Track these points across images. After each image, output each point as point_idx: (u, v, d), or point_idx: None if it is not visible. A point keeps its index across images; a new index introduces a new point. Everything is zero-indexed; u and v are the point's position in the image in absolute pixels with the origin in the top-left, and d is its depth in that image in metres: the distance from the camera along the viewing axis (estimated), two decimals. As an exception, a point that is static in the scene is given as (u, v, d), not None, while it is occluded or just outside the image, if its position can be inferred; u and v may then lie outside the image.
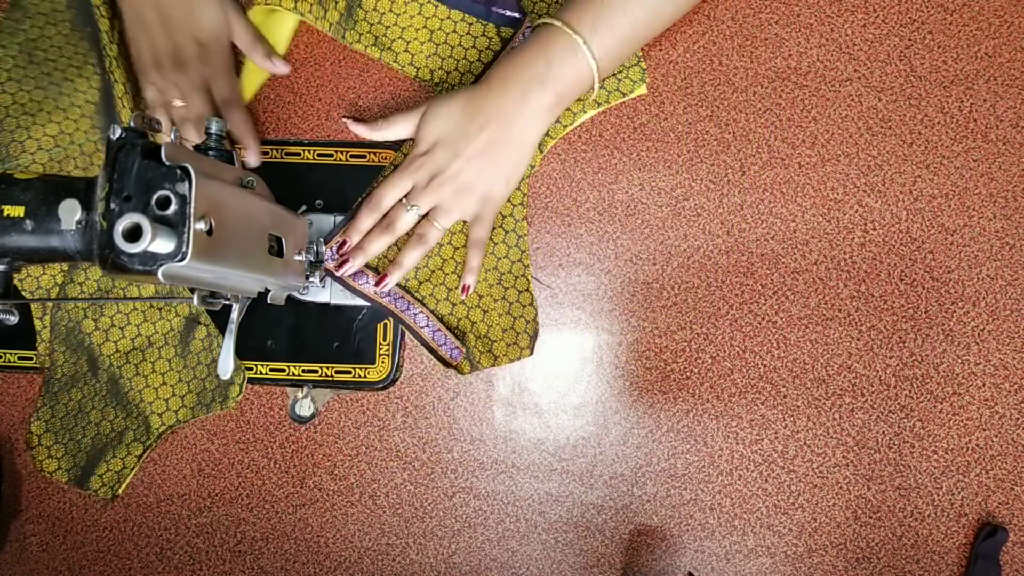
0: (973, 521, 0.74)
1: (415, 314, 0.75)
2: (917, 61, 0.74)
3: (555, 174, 0.77)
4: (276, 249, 0.59)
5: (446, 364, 0.76)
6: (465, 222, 0.75)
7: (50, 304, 0.77)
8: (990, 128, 0.74)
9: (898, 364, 0.74)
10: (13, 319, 0.52)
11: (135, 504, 0.80)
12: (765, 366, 0.75)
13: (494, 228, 0.76)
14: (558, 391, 0.77)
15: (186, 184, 0.46)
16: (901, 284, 0.74)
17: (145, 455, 0.77)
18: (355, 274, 0.74)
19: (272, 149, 0.78)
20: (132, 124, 0.48)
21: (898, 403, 0.74)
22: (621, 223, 0.76)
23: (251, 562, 0.79)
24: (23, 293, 0.78)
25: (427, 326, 0.75)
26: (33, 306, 0.78)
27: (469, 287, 0.74)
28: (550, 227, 0.77)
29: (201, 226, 0.46)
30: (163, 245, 0.44)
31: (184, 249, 0.45)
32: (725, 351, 0.75)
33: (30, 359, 0.78)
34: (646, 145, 0.76)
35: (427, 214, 0.73)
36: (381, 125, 0.74)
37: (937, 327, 0.74)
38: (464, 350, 0.75)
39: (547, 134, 0.76)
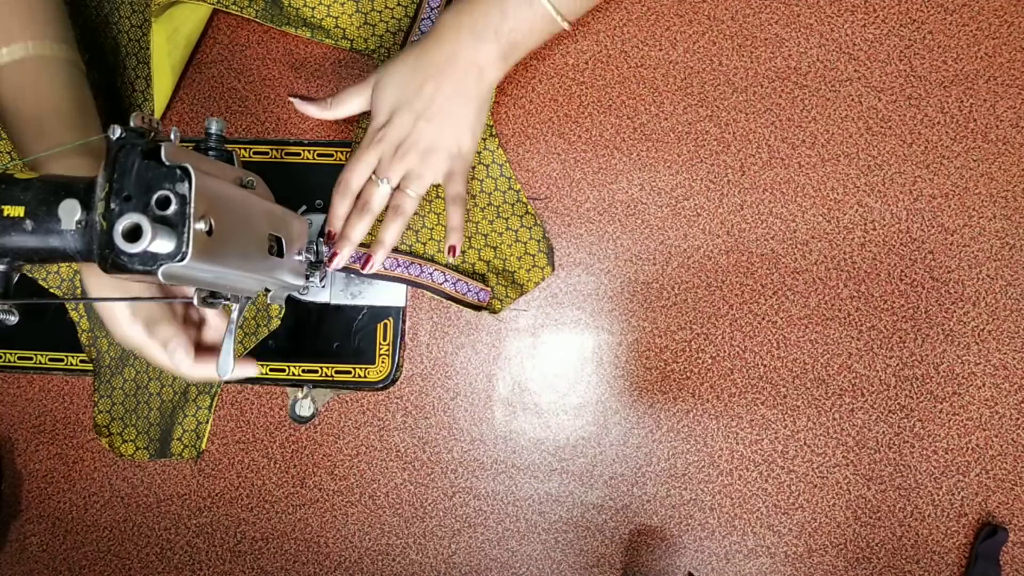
0: (973, 521, 0.74)
1: (431, 273, 0.75)
2: (917, 61, 0.74)
3: (555, 174, 0.77)
4: (276, 249, 0.59)
5: (478, 308, 0.76)
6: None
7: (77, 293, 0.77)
8: (990, 128, 0.74)
9: (898, 364, 0.74)
10: (13, 319, 0.52)
11: (135, 504, 0.80)
12: (765, 366, 0.75)
13: (474, 166, 0.76)
14: (558, 391, 0.77)
15: (186, 184, 0.46)
16: (901, 284, 0.74)
17: (214, 403, 0.78)
18: (360, 259, 0.73)
19: (272, 149, 0.78)
20: (132, 124, 0.48)
21: (898, 403, 0.74)
22: (621, 223, 0.76)
23: (251, 562, 0.79)
24: (50, 290, 0.78)
25: (446, 280, 0.75)
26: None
27: (455, 248, 0.71)
28: (550, 227, 0.77)
29: (201, 226, 0.46)
30: (163, 245, 0.44)
31: (184, 249, 0.45)
32: (725, 351, 0.75)
33: (30, 359, 0.78)
34: (646, 145, 0.76)
35: (399, 185, 0.70)
36: (331, 103, 0.72)
37: (937, 327, 0.74)
38: (490, 290, 0.76)
39: None
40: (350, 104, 0.72)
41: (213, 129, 0.55)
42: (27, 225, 0.47)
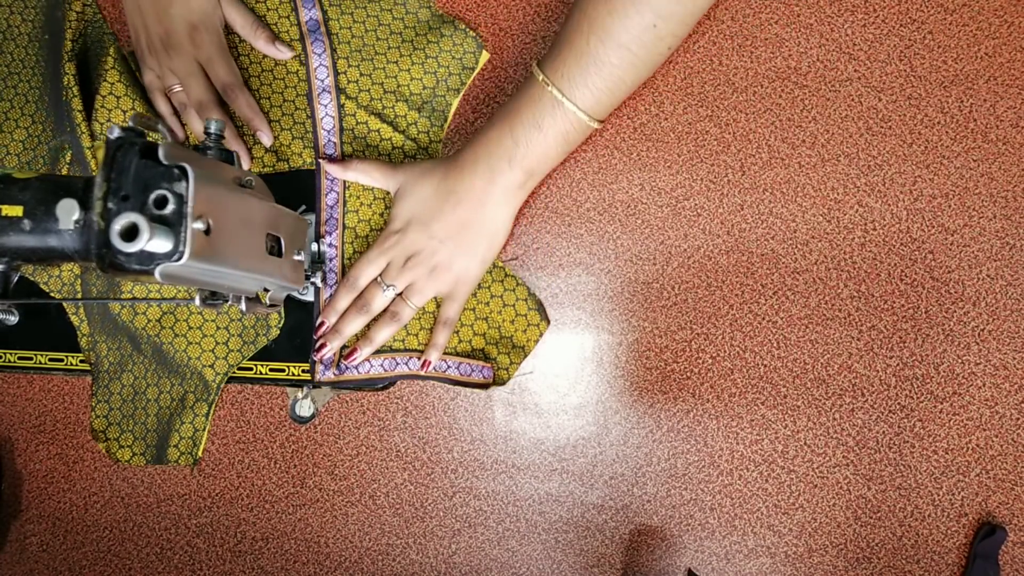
0: (973, 521, 0.74)
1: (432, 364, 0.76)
2: (917, 61, 0.74)
3: (555, 174, 0.77)
4: (275, 249, 0.59)
5: (485, 387, 0.76)
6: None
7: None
8: (990, 128, 0.74)
9: (898, 364, 0.74)
10: (13, 319, 0.52)
11: (135, 504, 0.80)
12: (765, 366, 0.75)
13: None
14: (558, 391, 0.77)
15: (184, 183, 0.46)
16: (901, 284, 0.74)
17: (212, 412, 0.78)
18: (360, 365, 0.75)
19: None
20: (131, 123, 0.48)
21: (898, 403, 0.74)
22: (621, 223, 0.76)
23: (251, 562, 0.79)
24: (51, 294, 0.78)
25: (449, 367, 0.76)
26: (66, 303, 0.78)
27: (430, 363, 0.74)
28: (550, 227, 0.77)
29: (199, 225, 0.46)
30: (160, 244, 0.44)
31: (181, 248, 0.45)
32: (725, 351, 0.75)
33: (30, 359, 0.78)
34: (646, 145, 0.76)
35: (401, 292, 0.73)
36: (356, 165, 0.74)
37: (937, 327, 0.74)
38: (491, 365, 0.76)
39: (432, 140, 0.77)
40: (372, 177, 0.74)
41: (212, 129, 0.55)
42: (25, 225, 0.48)
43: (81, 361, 0.78)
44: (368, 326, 0.75)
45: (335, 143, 0.77)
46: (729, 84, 0.76)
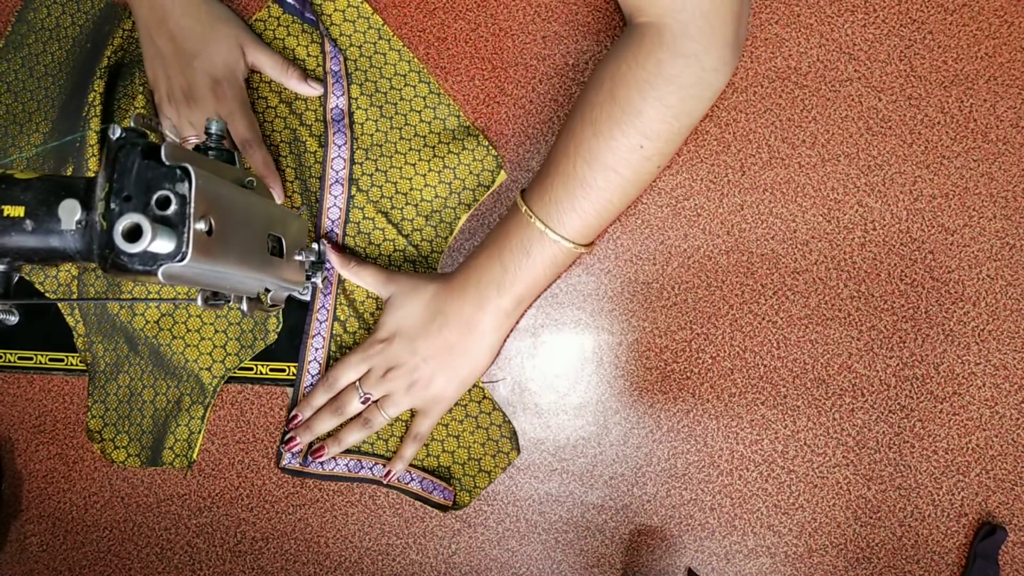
0: (973, 521, 0.74)
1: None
2: (917, 61, 0.74)
3: (555, 174, 0.77)
4: (276, 249, 0.59)
5: (444, 508, 0.76)
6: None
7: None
8: (990, 128, 0.74)
9: (898, 364, 0.74)
10: (13, 319, 0.52)
11: (135, 504, 0.80)
12: (765, 366, 0.75)
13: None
14: (558, 391, 0.77)
15: (186, 184, 0.46)
16: (901, 284, 0.74)
17: (207, 415, 0.78)
18: (326, 462, 0.76)
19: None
20: (133, 124, 0.48)
21: (898, 403, 0.74)
22: (621, 223, 0.76)
23: (251, 562, 0.79)
24: (46, 294, 0.78)
25: (412, 479, 0.76)
26: (61, 304, 0.78)
27: (392, 473, 0.75)
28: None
29: (201, 226, 0.46)
30: (163, 245, 0.44)
31: (184, 249, 0.45)
32: (725, 351, 0.75)
33: (30, 359, 0.78)
34: (646, 145, 0.76)
35: (377, 401, 0.74)
36: (353, 267, 0.74)
37: (937, 327, 0.74)
38: (454, 487, 0.76)
39: (434, 249, 0.77)
40: (365, 280, 0.75)
41: (213, 129, 0.55)
42: (27, 225, 0.48)
43: (82, 361, 0.78)
44: (340, 427, 0.75)
45: (338, 233, 0.77)
46: (729, 84, 0.76)
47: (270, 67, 0.76)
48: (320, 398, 0.75)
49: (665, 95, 0.62)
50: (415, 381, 0.72)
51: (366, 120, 0.77)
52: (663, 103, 0.62)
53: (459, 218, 0.77)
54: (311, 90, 0.77)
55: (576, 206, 0.65)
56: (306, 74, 0.77)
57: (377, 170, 0.77)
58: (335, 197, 0.76)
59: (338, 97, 0.77)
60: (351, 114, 0.77)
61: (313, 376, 0.76)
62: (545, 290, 0.72)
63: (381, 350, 0.72)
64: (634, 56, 0.63)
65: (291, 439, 0.75)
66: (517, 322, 0.75)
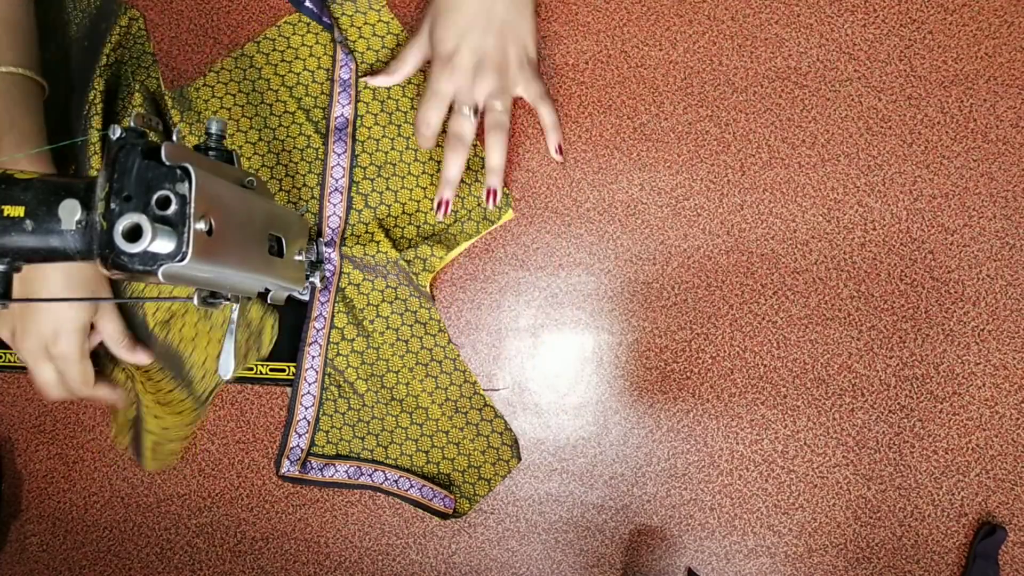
0: (973, 521, 0.74)
1: (396, 480, 0.76)
2: (917, 61, 0.74)
3: (555, 174, 0.77)
4: (276, 249, 0.59)
5: (444, 516, 0.76)
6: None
7: None
8: (990, 128, 0.74)
9: (898, 364, 0.74)
10: (13, 319, 0.52)
11: (135, 504, 0.80)
12: (765, 366, 0.75)
13: (427, 363, 0.77)
14: (558, 391, 0.77)
15: (186, 184, 0.46)
16: (901, 284, 0.74)
17: (196, 422, 0.78)
18: (325, 468, 0.76)
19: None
20: (132, 124, 0.48)
21: (898, 403, 0.74)
22: (621, 223, 0.76)
23: (251, 562, 0.79)
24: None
25: (412, 486, 0.76)
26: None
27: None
28: (550, 227, 0.77)
29: (201, 226, 0.46)
30: (163, 245, 0.44)
31: (184, 249, 0.45)
32: (725, 351, 0.75)
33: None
34: (646, 145, 0.76)
35: (485, 106, 0.71)
36: (393, 67, 0.73)
37: (937, 327, 0.74)
38: (454, 497, 0.76)
39: (426, 268, 0.76)
40: (412, 60, 0.73)
41: (213, 129, 0.55)
42: (27, 225, 0.47)
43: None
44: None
45: (336, 242, 0.76)
46: (729, 84, 0.76)
47: (109, 334, 0.71)
48: (428, 141, 0.73)
49: None
50: (500, 62, 0.70)
51: (382, 136, 0.77)
52: None
53: (458, 244, 0.76)
54: (138, 358, 0.73)
55: None
56: (136, 343, 0.73)
57: (387, 188, 0.77)
58: (334, 205, 0.76)
59: (343, 106, 0.77)
60: (356, 126, 0.77)
61: (310, 384, 0.76)
62: None
63: (457, 62, 0.69)
64: None
65: (441, 202, 0.72)
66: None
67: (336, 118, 0.77)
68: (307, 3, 0.77)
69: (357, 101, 0.77)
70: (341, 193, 0.76)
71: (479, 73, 0.70)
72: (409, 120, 0.77)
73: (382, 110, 0.77)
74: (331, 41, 0.78)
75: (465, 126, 0.71)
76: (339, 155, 0.76)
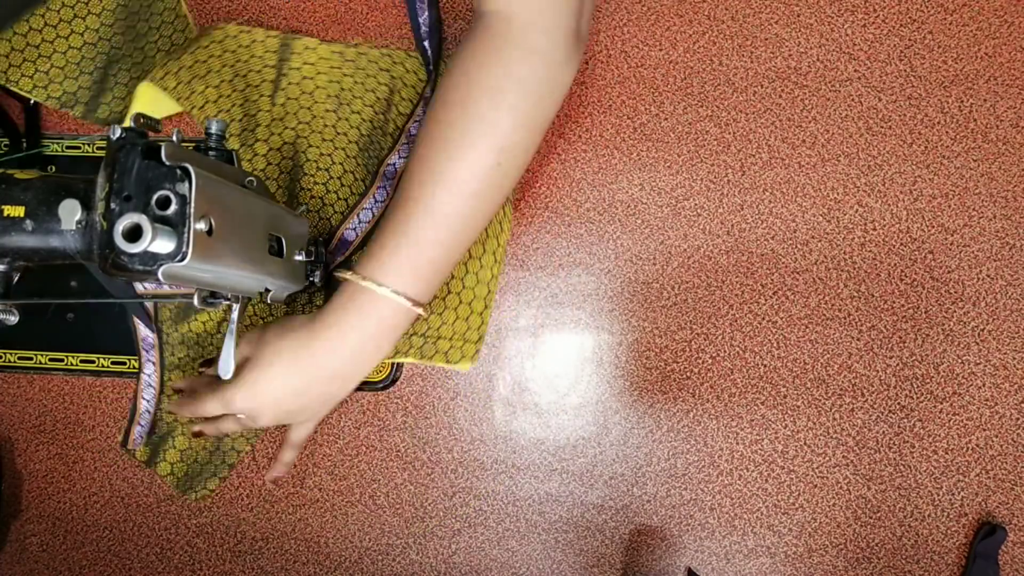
0: (973, 521, 0.74)
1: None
2: (917, 61, 0.74)
3: (555, 174, 0.77)
4: (276, 249, 0.59)
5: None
6: None
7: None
8: (990, 128, 0.74)
9: (898, 364, 0.74)
10: (13, 319, 0.52)
11: (135, 504, 0.80)
12: (765, 366, 0.75)
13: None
14: (558, 391, 0.77)
15: (186, 184, 0.46)
16: (901, 284, 0.74)
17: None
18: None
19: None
20: (132, 124, 0.48)
21: (898, 403, 0.74)
22: (621, 223, 0.76)
23: (251, 562, 0.79)
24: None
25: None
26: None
27: (277, 477, 0.72)
28: (550, 227, 0.77)
29: (201, 226, 0.46)
30: (163, 245, 0.44)
31: (184, 249, 0.45)
32: (725, 351, 0.75)
33: (30, 359, 0.78)
34: (646, 145, 0.76)
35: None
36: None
37: (937, 327, 0.74)
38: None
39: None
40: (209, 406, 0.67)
41: (213, 129, 0.55)
42: (27, 225, 0.48)
43: (82, 361, 0.78)
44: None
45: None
46: (729, 84, 0.76)
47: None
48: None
49: (518, 101, 0.58)
50: (277, 422, 0.66)
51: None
52: (517, 111, 0.58)
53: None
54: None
55: (418, 251, 0.60)
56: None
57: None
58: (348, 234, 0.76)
59: (400, 158, 0.76)
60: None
61: (148, 401, 0.77)
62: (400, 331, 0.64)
63: (241, 407, 0.64)
64: (483, 57, 0.58)
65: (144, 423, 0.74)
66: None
67: (388, 165, 0.75)
68: (425, 45, 0.76)
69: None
70: (356, 234, 0.75)
71: (257, 421, 0.65)
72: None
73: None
74: (419, 96, 0.77)
75: (227, 423, 0.69)
76: (378, 202, 0.75)
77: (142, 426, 0.77)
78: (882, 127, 0.75)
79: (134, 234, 0.43)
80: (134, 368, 0.78)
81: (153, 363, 0.77)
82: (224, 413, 0.66)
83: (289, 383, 0.63)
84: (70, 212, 0.47)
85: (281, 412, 0.64)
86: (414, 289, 0.60)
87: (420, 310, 0.61)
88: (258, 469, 0.79)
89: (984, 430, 0.74)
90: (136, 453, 0.78)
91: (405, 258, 0.60)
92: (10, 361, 0.79)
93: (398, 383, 0.78)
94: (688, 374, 0.76)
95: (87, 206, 0.48)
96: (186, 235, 0.45)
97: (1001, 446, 0.74)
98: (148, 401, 0.77)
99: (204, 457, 0.78)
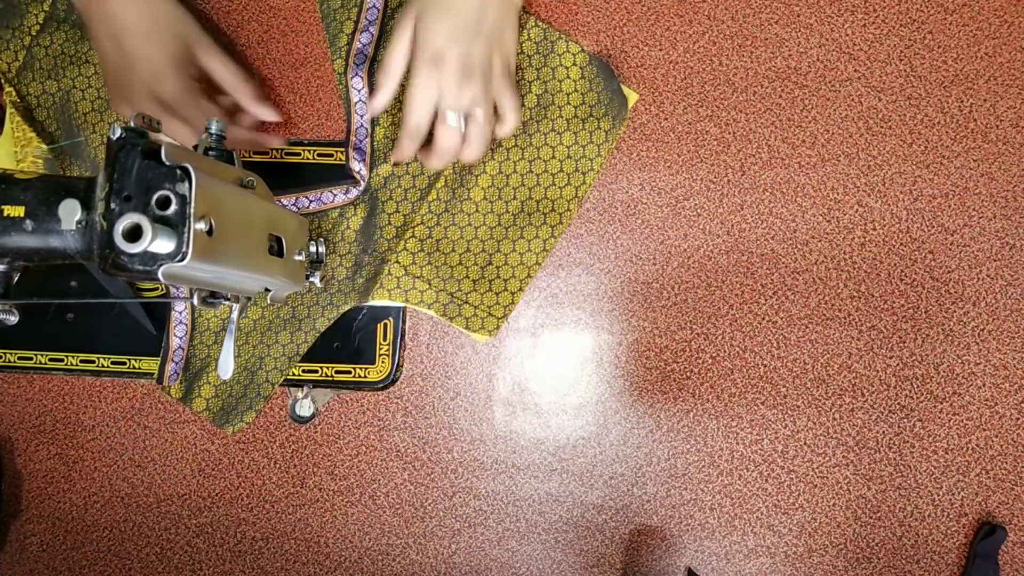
0: (973, 521, 0.74)
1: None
2: (917, 61, 0.74)
3: (555, 174, 0.77)
4: (276, 249, 0.59)
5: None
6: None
7: None
8: (990, 128, 0.74)
9: (898, 364, 0.74)
10: (13, 319, 0.52)
11: (135, 504, 0.80)
12: (765, 366, 0.75)
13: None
14: (558, 391, 0.77)
15: (186, 184, 0.46)
16: (901, 284, 0.74)
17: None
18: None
19: (272, 149, 0.78)
20: (132, 124, 0.48)
21: (898, 403, 0.74)
22: (621, 223, 0.76)
23: (251, 562, 0.79)
24: None
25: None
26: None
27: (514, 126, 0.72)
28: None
29: (201, 226, 0.46)
30: (163, 245, 0.44)
31: (184, 249, 0.45)
32: (725, 351, 0.75)
33: (30, 359, 0.78)
34: (646, 145, 0.76)
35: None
36: (383, 79, 0.70)
37: (937, 327, 0.74)
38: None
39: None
40: (399, 64, 0.69)
41: (213, 129, 0.55)
42: (27, 225, 0.48)
43: (82, 361, 0.78)
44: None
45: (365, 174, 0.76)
46: (729, 84, 0.76)
47: (222, 73, 0.72)
48: (409, 149, 0.70)
49: None
50: (486, 69, 0.67)
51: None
52: None
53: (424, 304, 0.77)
54: (262, 112, 0.74)
55: None
56: (260, 95, 0.74)
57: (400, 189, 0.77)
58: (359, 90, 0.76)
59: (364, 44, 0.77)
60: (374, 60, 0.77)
61: (180, 338, 0.78)
62: None
63: (445, 62, 0.66)
64: None
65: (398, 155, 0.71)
66: None
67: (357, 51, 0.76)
68: None
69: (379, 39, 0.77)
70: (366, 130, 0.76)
71: (466, 78, 0.67)
72: None
73: None
74: None
75: (454, 137, 0.69)
76: (358, 91, 0.76)
77: (176, 362, 0.77)
78: (882, 127, 0.75)
79: (134, 234, 0.43)
80: (134, 368, 0.78)
81: (183, 299, 0.77)
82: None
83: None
84: (70, 212, 0.47)
85: (472, 23, 0.66)
86: None
87: None
88: (258, 470, 0.79)
89: (984, 430, 0.74)
90: (171, 390, 0.78)
91: None
92: (10, 361, 0.79)
93: (398, 383, 0.78)
94: (688, 374, 0.76)
95: (87, 206, 0.48)
96: (186, 235, 0.45)
97: (1001, 446, 0.74)
98: (180, 338, 0.77)
99: (239, 391, 0.78)
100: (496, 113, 0.70)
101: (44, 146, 0.76)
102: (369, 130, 0.76)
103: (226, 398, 0.78)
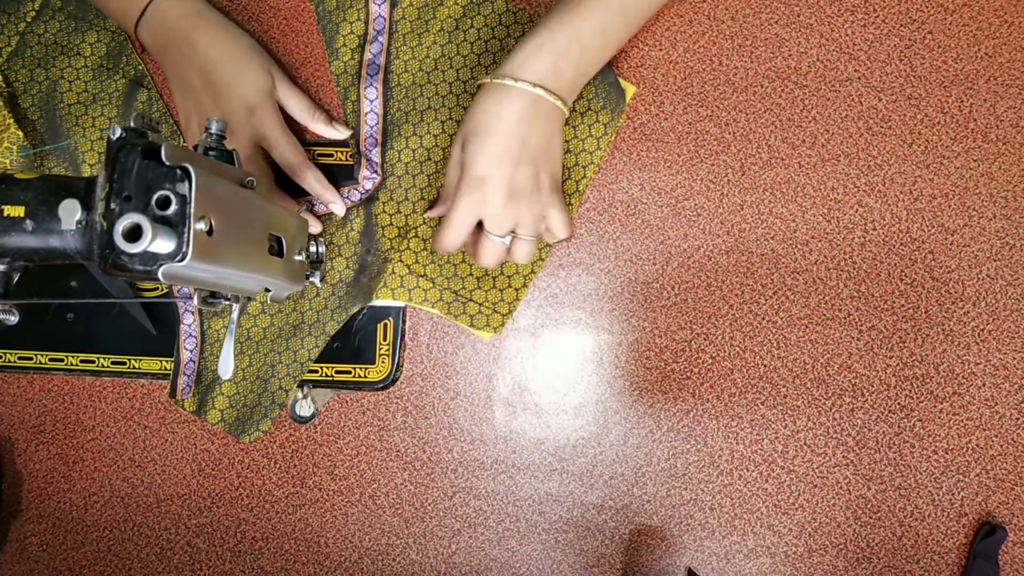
0: (973, 521, 0.74)
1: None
2: (917, 61, 0.74)
3: (555, 174, 0.77)
4: (276, 249, 0.59)
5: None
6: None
7: None
8: (990, 128, 0.74)
9: (898, 364, 0.74)
10: (13, 319, 0.52)
11: (135, 504, 0.80)
12: (765, 366, 0.75)
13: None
14: (558, 391, 0.77)
15: (186, 184, 0.46)
16: (901, 284, 0.74)
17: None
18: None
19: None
20: (133, 124, 0.48)
21: (898, 403, 0.74)
22: (621, 223, 0.76)
23: (251, 562, 0.79)
24: None
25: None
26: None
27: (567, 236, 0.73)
28: (550, 227, 0.77)
29: (201, 226, 0.46)
30: (163, 245, 0.44)
31: (184, 249, 0.45)
32: (725, 351, 0.75)
33: (30, 359, 0.78)
34: (646, 145, 0.76)
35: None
36: (440, 210, 0.74)
37: (937, 327, 0.74)
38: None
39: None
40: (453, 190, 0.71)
41: (213, 129, 0.55)
42: (27, 225, 0.47)
43: (82, 361, 0.78)
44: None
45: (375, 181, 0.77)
46: (729, 84, 0.76)
47: (296, 107, 0.75)
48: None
49: None
50: (532, 191, 0.68)
51: (402, 72, 0.77)
52: None
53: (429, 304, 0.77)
54: (337, 133, 0.76)
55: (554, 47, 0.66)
56: (331, 118, 0.77)
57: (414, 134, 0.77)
58: (371, 101, 0.77)
59: (375, 54, 0.77)
60: (388, 71, 0.77)
61: (191, 351, 0.78)
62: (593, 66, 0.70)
63: (488, 186, 0.67)
64: None
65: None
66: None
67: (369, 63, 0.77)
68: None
69: (389, 47, 0.77)
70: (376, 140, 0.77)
71: (511, 202, 0.67)
72: (440, 66, 0.77)
73: (413, 56, 0.77)
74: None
75: (498, 249, 0.69)
76: (371, 100, 0.77)
77: (187, 375, 0.78)
78: (882, 127, 0.75)
79: (134, 234, 0.43)
80: (134, 368, 0.78)
81: (192, 312, 0.77)
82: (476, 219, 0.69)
83: (501, 144, 0.66)
84: (70, 212, 0.47)
85: (516, 147, 0.67)
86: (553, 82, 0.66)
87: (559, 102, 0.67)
88: (258, 470, 0.79)
89: (984, 430, 0.74)
90: (184, 404, 0.78)
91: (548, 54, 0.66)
92: (10, 361, 0.79)
93: (398, 383, 0.78)
94: (688, 374, 0.76)
95: (87, 206, 0.48)
96: (186, 235, 0.45)
97: (1001, 446, 0.74)
98: (191, 351, 0.78)
99: (253, 400, 0.78)
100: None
101: (20, 133, 0.76)
102: (379, 140, 0.77)
103: (241, 408, 0.78)
